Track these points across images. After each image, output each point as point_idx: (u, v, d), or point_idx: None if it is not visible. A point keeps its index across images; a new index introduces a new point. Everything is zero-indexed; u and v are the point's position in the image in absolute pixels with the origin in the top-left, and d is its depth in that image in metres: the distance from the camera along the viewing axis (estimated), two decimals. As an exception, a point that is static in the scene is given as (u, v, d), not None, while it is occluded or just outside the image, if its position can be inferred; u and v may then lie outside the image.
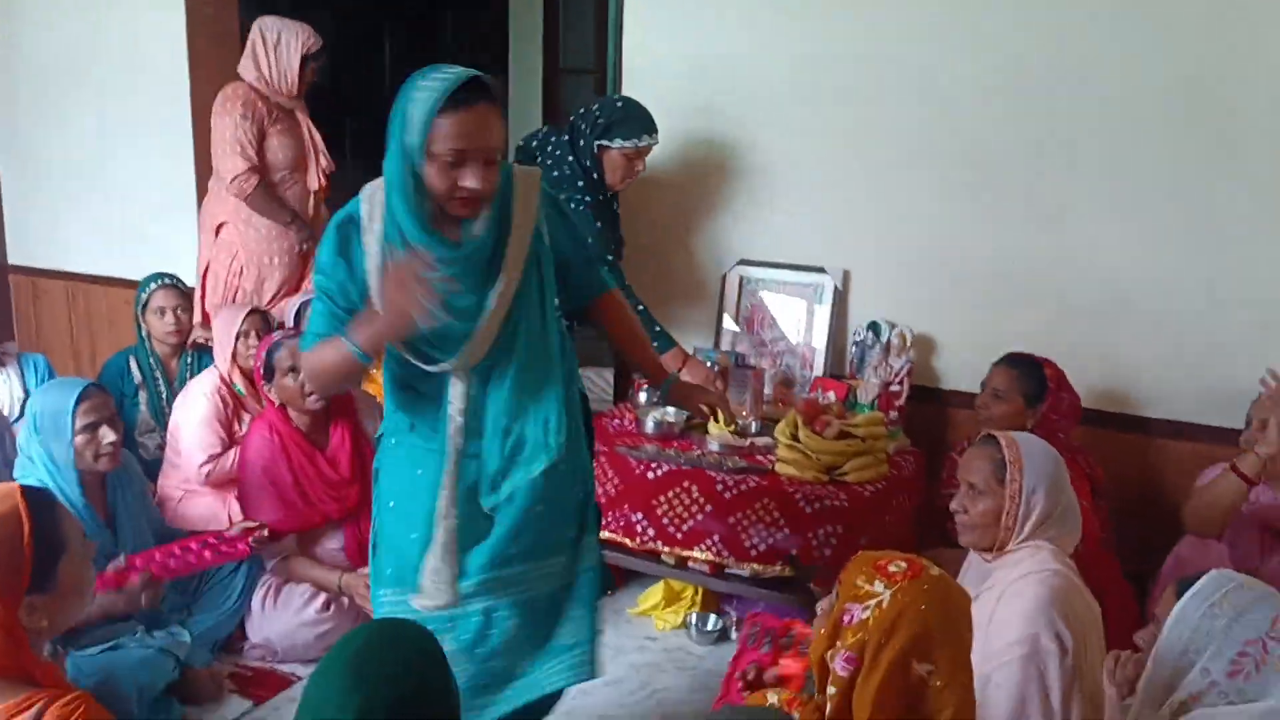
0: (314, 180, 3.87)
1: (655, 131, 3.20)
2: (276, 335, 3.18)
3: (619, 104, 3.23)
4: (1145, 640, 1.84)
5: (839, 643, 1.53)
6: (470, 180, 1.84)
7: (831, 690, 1.52)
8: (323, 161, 3.87)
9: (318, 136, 3.86)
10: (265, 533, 2.92)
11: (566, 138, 3.25)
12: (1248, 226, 2.95)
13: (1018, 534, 2.07)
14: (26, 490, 1.57)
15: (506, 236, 1.97)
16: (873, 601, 1.51)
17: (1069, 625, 1.92)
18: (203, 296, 3.84)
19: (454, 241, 1.94)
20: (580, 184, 3.21)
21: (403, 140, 1.85)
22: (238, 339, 3.36)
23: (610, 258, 3.22)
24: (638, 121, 3.18)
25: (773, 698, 1.74)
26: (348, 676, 1.31)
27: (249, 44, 3.70)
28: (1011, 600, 1.98)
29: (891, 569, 1.55)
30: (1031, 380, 2.91)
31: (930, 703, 1.49)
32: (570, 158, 3.22)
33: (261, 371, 3.08)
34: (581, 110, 3.27)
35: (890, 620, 1.49)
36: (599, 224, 3.21)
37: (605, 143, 3.17)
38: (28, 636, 1.55)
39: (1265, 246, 2.94)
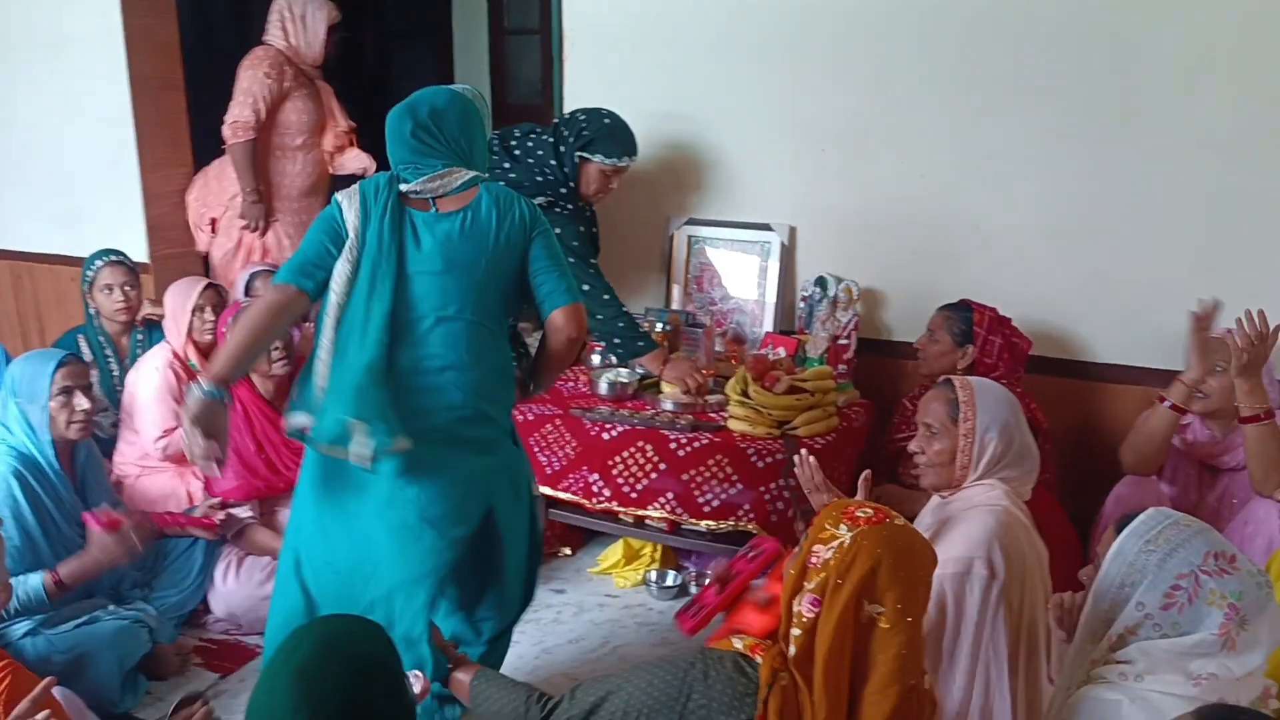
0: (329, 141, 4.23)
1: (635, 153, 3.25)
2: (243, 302, 3.21)
3: (606, 120, 3.24)
4: (1088, 577, 1.88)
5: (805, 584, 1.58)
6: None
7: (796, 632, 1.56)
8: (342, 124, 4.25)
9: (335, 102, 4.27)
10: (223, 515, 2.97)
11: (550, 139, 3.26)
12: (1173, 167, 3.00)
13: (973, 472, 2.14)
14: None
15: None
16: (835, 543, 1.57)
17: (1007, 558, 1.99)
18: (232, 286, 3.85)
19: None
20: (562, 190, 3.25)
21: None
22: (193, 313, 3.34)
23: (594, 262, 3.27)
24: (620, 142, 3.22)
25: (738, 644, 1.78)
26: (293, 691, 1.28)
27: (274, 16, 4.06)
28: (957, 524, 2.06)
29: (858, 514, 1.60)
30: (960, 321, 3.02)
31: (876, 642, 1.54)
32: (552, 161, 3.23)
33: (226, 337, 3.09)
34: (568, 117, 3.28)
35: (848, 561, 1.54)
36: (581, 229, 3.24)
37: (586, 155, 3.21)
38: None
39: (1194, 188, 2.99)
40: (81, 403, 2.65)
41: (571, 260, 3.07)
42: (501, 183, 2.46)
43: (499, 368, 2.32)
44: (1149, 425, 2.75)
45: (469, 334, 2.22)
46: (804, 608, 1.56)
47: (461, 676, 1.85)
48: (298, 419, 2.20)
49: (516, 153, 3.28)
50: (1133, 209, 3.06)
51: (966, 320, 3.02)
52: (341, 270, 2.20)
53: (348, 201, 2.23)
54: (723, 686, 1.58)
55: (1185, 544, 1.73)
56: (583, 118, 3.23)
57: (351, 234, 2.20)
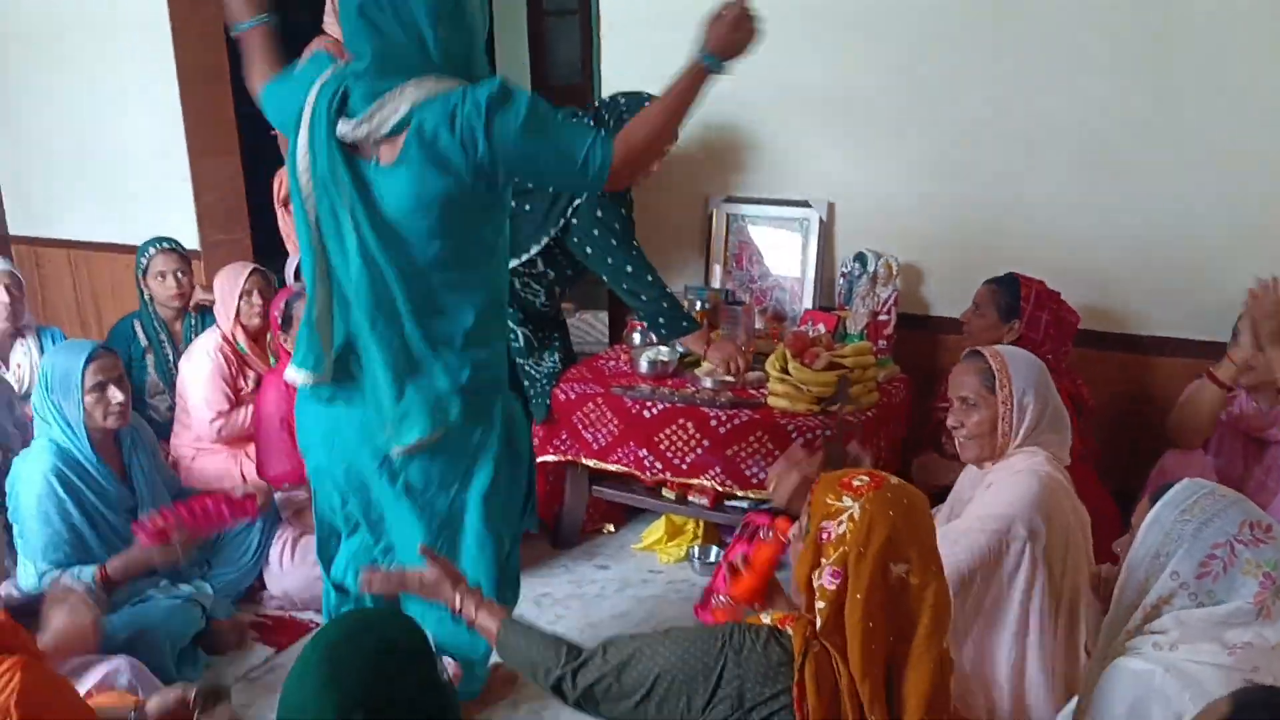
0: None
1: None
2: (295, 287, 3.28)
3: (645, 101, 3.21)
4: (1123, 547, 1.89)
5: (822, 560, 1.59)
6: None
7: (821, 605, 1.57)
8: None
9: None
10: (263, 499, 2.95)
11: (590, 122, 3.24)
12: (1220, 137, 2.96)
13: (1014, 439, 2.16)
14: None
15: None
16: (844, 515, 1.57)
17: (1048, 521, 2.00)
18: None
19: None
20: None
21: None
22: (240, 297, 3.42)
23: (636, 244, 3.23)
24: None
25: (766, 618, 1.80)
26: (322, 674, 1.31)
27: (328, 4, 3.96)
28: (1000, 487, 2.08)
29: (855, 483, 1.61)
30: (1007, 295, 2.98)
31: (911, 599, 1.56)
32: None
33: (279, 322, 3.16)
34: (608, 100, 3.27)
35: (865, 530, 1.55)
36: (623, 210, 3.21)
37: None
38: None
39: (1241, 159, 2.95)
40: (116, 395, 2.67)
41: (614, 243, 3.11)
42: None
43: None
44: (1196, 400, 2.73)
45: None
46: (825, 581, 1.57)
47: (487, 623, 1.76)
48: None
49: None
50: (1178, 178, 3.02)
51: (1013, 294, 2.98)
52: None
53: None
54: (757, 658, 1.60)
55: (1221, 514, 1.72)
56: (623, 100, 3.23)
57: None
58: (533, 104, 1.99)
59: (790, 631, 1.62)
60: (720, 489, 3.01)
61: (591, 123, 3.25)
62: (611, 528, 3.57)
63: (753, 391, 3.08)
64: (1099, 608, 1.95)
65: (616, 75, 3.69)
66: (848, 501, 1.58)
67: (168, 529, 2.51)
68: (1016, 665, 2.00)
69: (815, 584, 1.60)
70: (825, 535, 1.60)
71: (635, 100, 3.23)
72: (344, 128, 2.00)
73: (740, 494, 3.02)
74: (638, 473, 3.13)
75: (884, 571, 1.54)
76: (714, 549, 3.31)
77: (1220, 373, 2.67)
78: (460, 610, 1.78)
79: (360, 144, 2.02)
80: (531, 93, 2.03)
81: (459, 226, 2.06)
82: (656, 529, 3.44)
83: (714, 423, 2.97)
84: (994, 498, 2.07)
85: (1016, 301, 2.97)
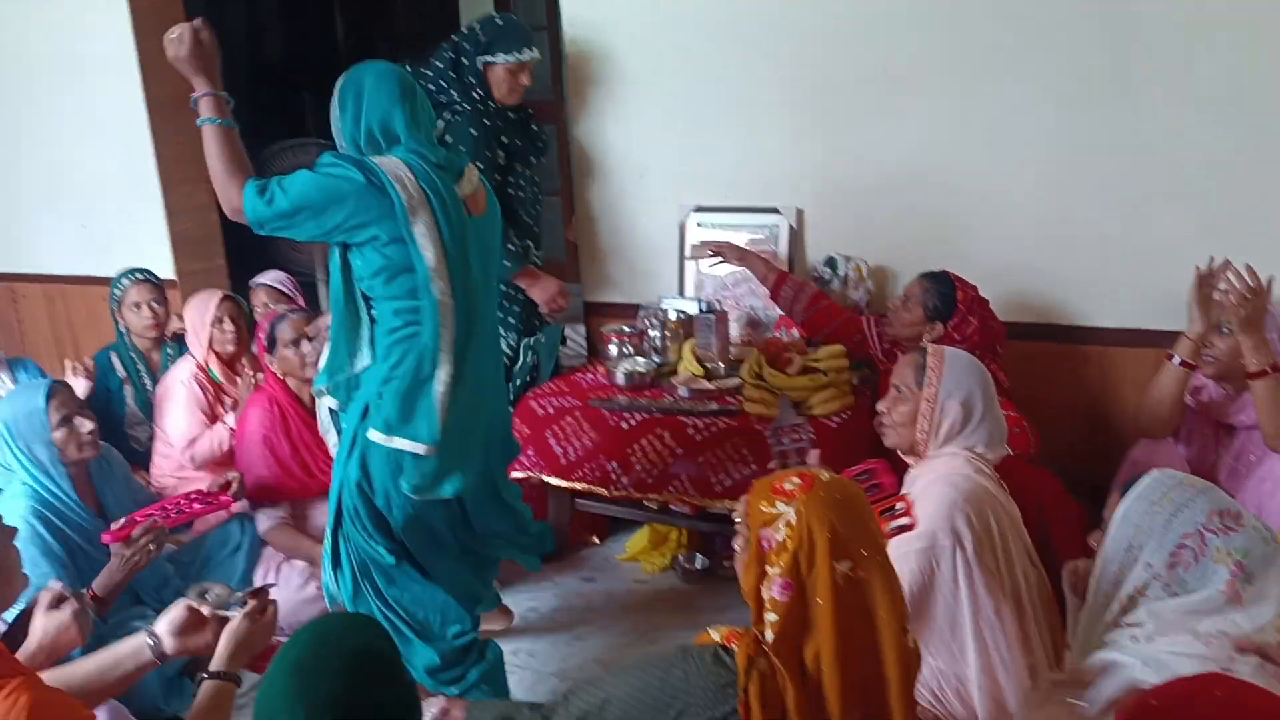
0: None
1: (533, 46, 3.32)
2: (282, 309, 3.32)
3: (498, 21, 3.32)
4: (1097, 542, 1.91)
5: (768, 568, 1.58)
6: None
7: (773, 617, 1.57)
8: None
9: None
10: (236, 486, 2.96)
11: (450, 54, 3.31)
12: (1175, 130, 2.99)
13: (934, 438, 2.19)
14: None
15: None
16: (780, 522, 1.57)
17: (971, 525, 2.02)
18: None
19: None
20: (457, 94, 3.30)
21: None
22: (212, 325, 3.42)
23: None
24: (516, 37, 3.28)
25: (715, 635, 1.81)
26: (290, 686, 1.33)
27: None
28: (919, 501, 2.11)
29: (786, 486, 1.60)
30: (936, 295, 2.97)
31: (863, 592, 1.56)
32: (451, 74, 3.30)
33: (265, 343, 3.17)
34: (464, 30, 3.34)
35: (806, 535, 1.54)
36: (474, 132, 3.26)
37: (490, 58, 3.26)
38: None
39: (1197, 149, 2.98)
40: (84, 424, 2.67)
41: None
42: None
43: None
44: (1159, 385, 2.75)
45: None
46: (775, 593, 1.56)
47: (457, 715, 1.90)
48: None
49: (417, 77, 3.36)
50: (1138, 173, 3.06)
51: (943, 295, 2.97)
52: None
53: None
54: (704, 684, 1.60)
55: (1190, 503, 1.75)
56: (477, 25, 3.31)
57: None
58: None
59: (735, 649, 1.62)
60: (687, 499, 3.01)
61: (451, 55, 3.33)
62: (596, 539, 3.58)
63: (729, 399, 3.11)
64: (1075, 602, 1.97)
65: (582, 86, 3.71)
66: (781, 507, 1.58)
67: (129, 526, 2.50)
68: (985, 666, 2.02)
69: (765, 596, 1.59)
70: (766, 544, 1.59)
71: (487, 21, 3.31)
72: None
73: (704, 504, 3.01)
74: (602, 489, 3.12)
75: (832, 573, 1.54)
76: (698, 556, 3.33)
77: (1178, 350, 2.70)
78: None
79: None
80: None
81: None
82: (640, 538, 3.46)
83: (690, 430, 2.99)
84: (918, 516, 2.10)
85: (946, 303, 2.96)
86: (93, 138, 4.45)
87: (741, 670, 1.57)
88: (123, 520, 2.56)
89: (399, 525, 2.41)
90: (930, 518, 2.05)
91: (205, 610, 1.86)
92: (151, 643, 1.85)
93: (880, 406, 2.29)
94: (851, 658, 1.55)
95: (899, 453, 2.30)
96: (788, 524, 1.56)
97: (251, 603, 1.86)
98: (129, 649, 1.85)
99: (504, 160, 3.35)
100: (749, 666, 1.56)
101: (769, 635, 1.57)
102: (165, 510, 2.68)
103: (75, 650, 2.06)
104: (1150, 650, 1.70)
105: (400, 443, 2.30)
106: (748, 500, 1.66)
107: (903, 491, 2.22)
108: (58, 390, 2.68)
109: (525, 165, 3.45)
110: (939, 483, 2.11)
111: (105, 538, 2.52)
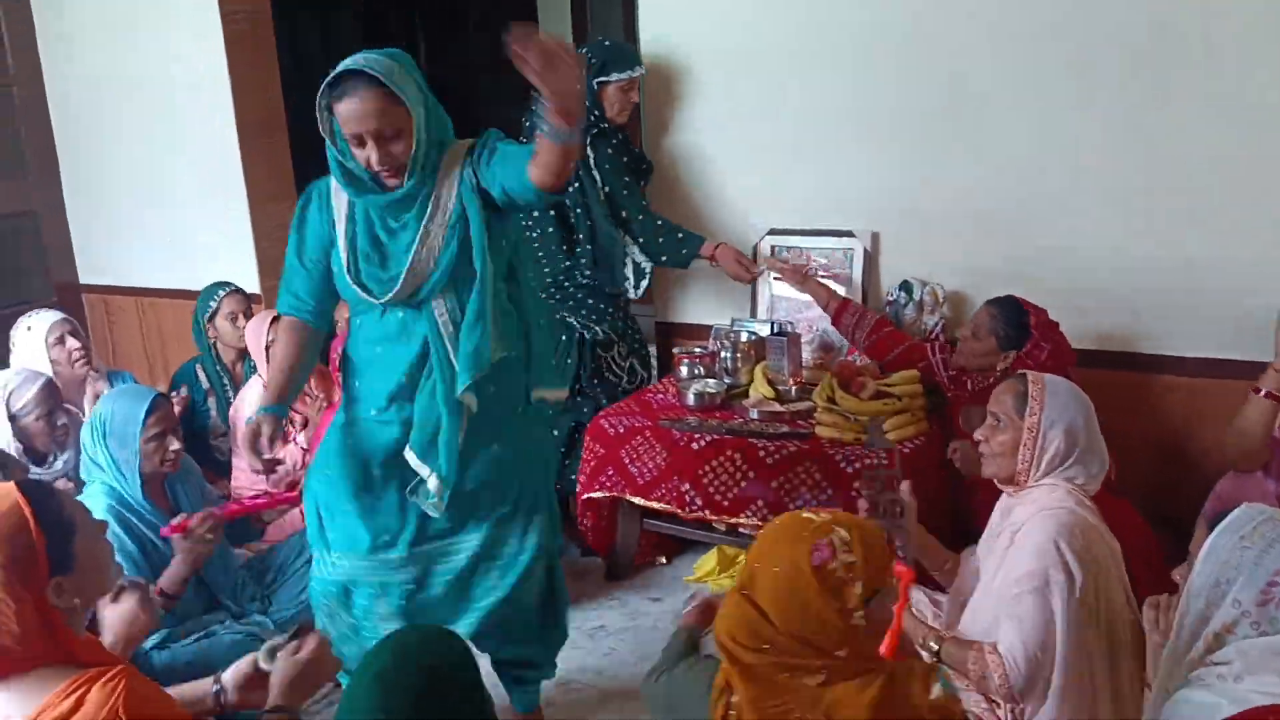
0: None
1: (640, 62, 3.47)
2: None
3: (606, 43, 3.48)
4: (1182, 576, 1.85)
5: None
6: (372, 158, 2.18)
7: None
8: None
9: None
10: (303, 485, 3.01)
11: None
12: (1262, 154, 2.92)
13: (1035, 468, 2.14)
14: (21, 484, 1.65)
15: (429, 196, 2.25)
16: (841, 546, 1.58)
17: (1080, 560, 1.98)
18: None
19: (388, 190, 2.26)
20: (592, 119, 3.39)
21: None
22: (267, 350, 3.44)
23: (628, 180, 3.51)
24: (626, 56, 3.45)
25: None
26: (371, 697, 1.37)
27: None
28: (1024, 537, 2.06)
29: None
30: (1005, 322, 2.91)
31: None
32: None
33: (338, 364, 3.22)
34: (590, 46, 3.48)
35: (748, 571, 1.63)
36: (609, 152, 3.43)
37: (604, 79, 3.38)
38: (62, 616, 1.63)
39: (1277, 170, 2.91)
40: (173, 443, 2.74)
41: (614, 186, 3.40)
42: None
43: None
44: (1245, 418, 2.67)
45: None
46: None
47: None
48: None
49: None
50: (1222, 198, 2.98)
51: (1018, 324, 2.90)
52: None
53: None
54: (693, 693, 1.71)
55: (1281, 539, 1.71)
56: (585, 50, 3.43)
57: None
58: None
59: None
60: (763, 524, 2.99)
61: None
62: (664, 559, 3.58)
63: (801, 422, 3.09)
64: (1156, 639, 1.92)
65: (659, 114, 3.75)
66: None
67: (186, 520, 2.57)
68: (1088, 698, 1.98)
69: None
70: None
71: (595, 45, 3.43)
72: None
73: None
74: (678, 510, 3.12)
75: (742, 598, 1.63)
76: (767, 580, 3.30)
77: (1265, 382, 2.62)
78: None
79: None
80: None
81: None
82: (709, 560, 3.45)
83: (762, 453, 2.98)
84: (1023, 554, 2.05)
85: (1016, 330, 2.91)
86: (182, 154, 4.59)
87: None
88: (183, 515, 2.64)
89: None
90: (1038, 554, 2.01)
91: (267, 667, 1.90)
92: (216, 689, 1.92)
93: (978, 435, 2.25)
94: None
95: (996, 482, 2.25)
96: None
97: (290, 644, 1.88)
98: (196, 692, 1.93)
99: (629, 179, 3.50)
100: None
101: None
102: (224, 508, 2.75)
103: (151, 636, 2.14)
104: (1238, 690, 1.64)
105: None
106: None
107: (999, 525, 2.19)
108: (160, 404, 2.75)
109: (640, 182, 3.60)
110: (1043, 517, 2.06)
111: (164, 531, 2.61)
